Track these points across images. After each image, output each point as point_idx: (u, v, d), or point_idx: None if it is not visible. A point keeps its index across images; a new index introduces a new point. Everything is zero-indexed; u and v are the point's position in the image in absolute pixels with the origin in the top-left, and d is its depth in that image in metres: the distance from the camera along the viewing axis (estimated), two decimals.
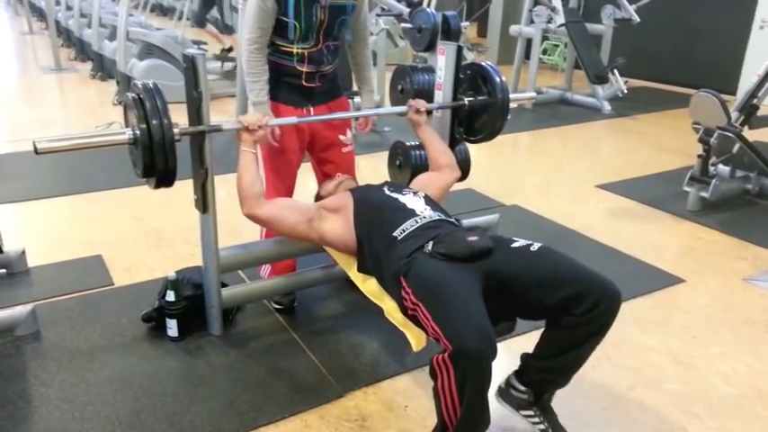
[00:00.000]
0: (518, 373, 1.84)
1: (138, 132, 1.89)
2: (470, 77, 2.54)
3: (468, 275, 1.68)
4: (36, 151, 1.78)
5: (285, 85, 2.38)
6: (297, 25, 2.24)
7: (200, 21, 7.81)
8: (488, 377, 1.49)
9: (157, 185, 1.98)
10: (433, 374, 1.53)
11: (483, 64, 2.54)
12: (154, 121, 1.87)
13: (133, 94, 1.93)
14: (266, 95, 2.32)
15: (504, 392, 1.87)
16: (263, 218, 2.14)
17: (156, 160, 1.90)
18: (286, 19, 2.23)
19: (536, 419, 1.81)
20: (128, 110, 1.97)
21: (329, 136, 2.51)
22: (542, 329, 2.39)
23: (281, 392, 2.04)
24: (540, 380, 1.79)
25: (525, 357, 1.83)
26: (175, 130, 1.92)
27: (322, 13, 2.26)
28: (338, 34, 2.40)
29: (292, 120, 2.30)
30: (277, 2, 2.20)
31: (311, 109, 2.43)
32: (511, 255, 1.76)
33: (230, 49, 7.34)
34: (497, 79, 2.45)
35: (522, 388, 1.82)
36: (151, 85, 1.94)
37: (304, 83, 2.37)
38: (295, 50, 2.31)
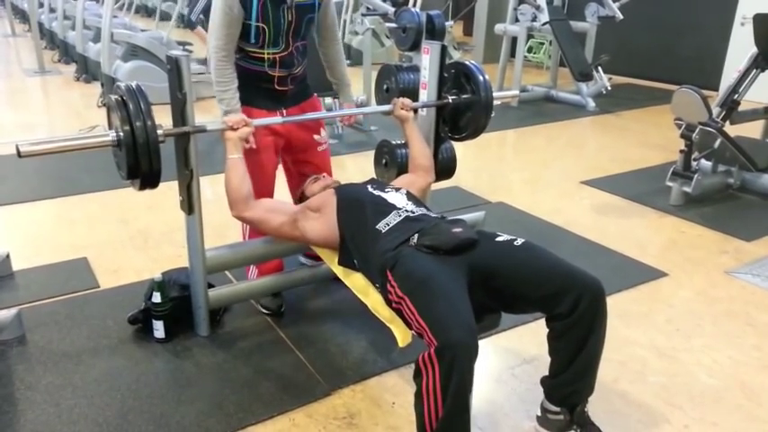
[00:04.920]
0: (547, 396, 1.85)
1: (121, 134, 1.88)
2: (454, 76, 2.56)
3: (453, 270, 1.70)
4: (19, 155, 1.77)
5: (257, 90, 2.36)
6: (266, 29, 2.22)
7: (189, 23, 7.77)
8: (471, 374, 1.49)
9: (142, 187, 1.98)
10: (418, 374, 1.52)
11: (466, 62, 2.55)
12: (137, 123, 1.86)
13: (116, 96, 1.92)
14: (238, 103, 2.29)
15: (542, 420, 1.88)
16: (251, 220, 2.19)
17: (140, 162, 1.89)
18: (252, 23, 2.20)
19: None
20: (111, 112, 1.96)
21: (304, 137, 2.53)
22: (527, 324, 2.43)
23: (268, 392, 2.05)
24: (565, 395, 1.80)
25: (544, 380, 1.85)
26: (159, 132, 1.92)
27: (289, 14, 2.25)
28: (306, 34, 2.39)
29: (276, 120, 2.30)
30: (243, 6, 2.16)
31: (284, 112, 2.43)
32: (495, 248, 1.79)
33: None
34: (480, 78, 2.47)
35: (556, 408, 1.82)
36: (134, 87, 1.93)
37: (276, 87, 2.37)
38: (266, 56, 2.29)
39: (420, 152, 2.44)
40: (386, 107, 2.50)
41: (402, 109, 2.42)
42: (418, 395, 1.53)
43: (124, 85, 1.94)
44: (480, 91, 2.46)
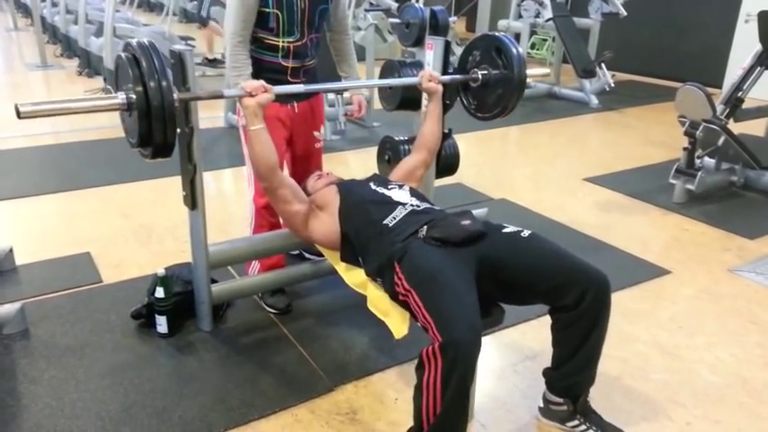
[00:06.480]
0: (549, 387, 1.88)
1: (133, 96, 1.69)
2: (484, 49, 2.40)
3: (461, 263, 1.70)
4: (19, 115, 1.63)
5: (269, 82, 2.35)
6: (280, 15, 2.25)
7: (201, 19, 7.74)
8: (473, 372, 1.50)
9: (154, 156, 1.80)
10: (421, 368, 1.53)
11: (498, 35, 2.39)
12: (151, 84, 1.67)
13: (127, 54, 1.74)
14: None
15: (545, 410, 1.92)
16: (279, 195, 2.11)
17: (153, 127, 1.70)
18: (268, 9, 2.24)
19: (583, 427, 1.84)
20: (120, 71, 1.79)
21: (305, 132, 2.55)
22: (529, 321, 2.43)
23: (271, 387, 2.05)
24: (568, 385, 1.83)
25: (547, 371, 1.88)
26: (174, 96, 1.75)
27: (303, 2, 2.28)
28: (319, 26, 2.42)
29: (299, 88, 2.22)
30: None
31: (295, 105, 2.44)
32: (502, 240, 1.79)
33: (215, 60, 7.25)
34: (514, 51, 2.29)
35: (559, 399, 1.86)
36: (147, 43, 1.73)
37: (289, 78, 2.38)
38: (281, 44, 2.31)
39: (433, 130, 2.36)
40: (413, 79, 2.38)
41: (430, 81, 2.32)
42: (418, 388, 1.54)
43: (136, 41, 1.75)
44: (514, 66, 2.28)
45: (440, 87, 2.33)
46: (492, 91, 2.40)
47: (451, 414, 1.50)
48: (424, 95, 2.45)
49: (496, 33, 2.41)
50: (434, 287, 1.63)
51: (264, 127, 2.02)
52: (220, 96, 2.00)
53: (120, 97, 1.72)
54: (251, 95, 1.96)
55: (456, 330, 1.50)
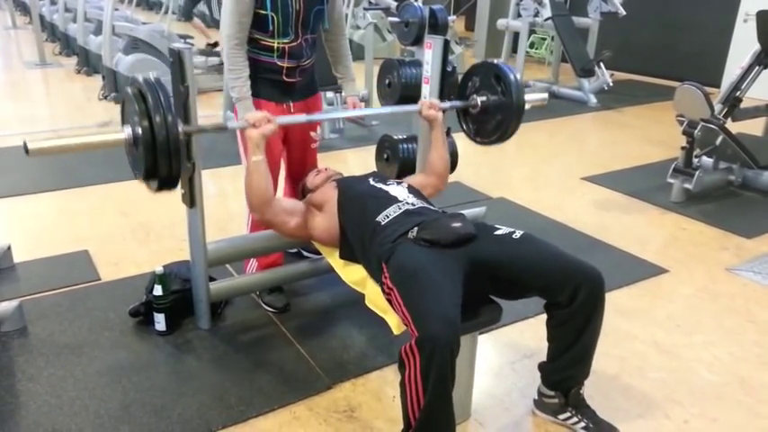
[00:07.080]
0: (544, 381, 1.91)
1: (139, 130, 1.75)
2: (483, 76, 2.44)
3: (450, 263, 1.71)
4: (27, 152, 1.68)
5: (265, 81, 2.37)
6: (274, 17, 2.25)
7: (187, 14, 7.74)
8: (452, 367, 1.50)
9: (159, 189, 1.86)
10: (402, 366, 1.54)
11: (497, 62, 2.42)
12: (157, 119, 1.73)
13: (133, 89, 1.80)
14: (248, 91, 2.31)
15: (538, 403, 1.95)
16: (272, 222, 2.16)
17: (159, 161, 1.76)
18: (263, 12, 2.24)
19: (574, 419, 1.87)
20: (126, 106, 1.84)
21: (302, 133, 2.56)
22: (527, 320, 2.44)
23: (269, 385, 2.05)
24: (561, 379, 1.86)
25: (542, 365, 1.91)
26: (179, 129, 1.80)
27: (297, 4, 2.28)
28: (315, 27, 2.42)
29: (302, 118, 2.28)
30: None
31: (291, 104, 2.44)
32: (494, 242, 1.80)
33: (215, 44, 7.26)
34: (512, 78, 2.32)
35: (551, 392, 1.90)
36: (153, 79, 1.80)
37: (285, 78, 2.38)
38: (276, 45, 2.31)
39: (441, 156, 2.36)
40: (413, 107, 2.42)
41: (431, 109, 2.33)
42: (402, 385, 1.56)
43: (142, 77, 1.81)
44: (512, 93, 2.32)
45: (440, 114, 2.34)
46: (491, 117, 2.43)
47: (435, 408, 1.52)
48: (423, 121, 2.45)
49: (495, 61, 2.45)
50: (415, 284, 1.64)
51: (265, 159, 2.04)
52: (224, 129, 2.04)
53: (127, 132, 1.78)
54: (254, 127, 2.00)
55: (432, 325, 1.51)
